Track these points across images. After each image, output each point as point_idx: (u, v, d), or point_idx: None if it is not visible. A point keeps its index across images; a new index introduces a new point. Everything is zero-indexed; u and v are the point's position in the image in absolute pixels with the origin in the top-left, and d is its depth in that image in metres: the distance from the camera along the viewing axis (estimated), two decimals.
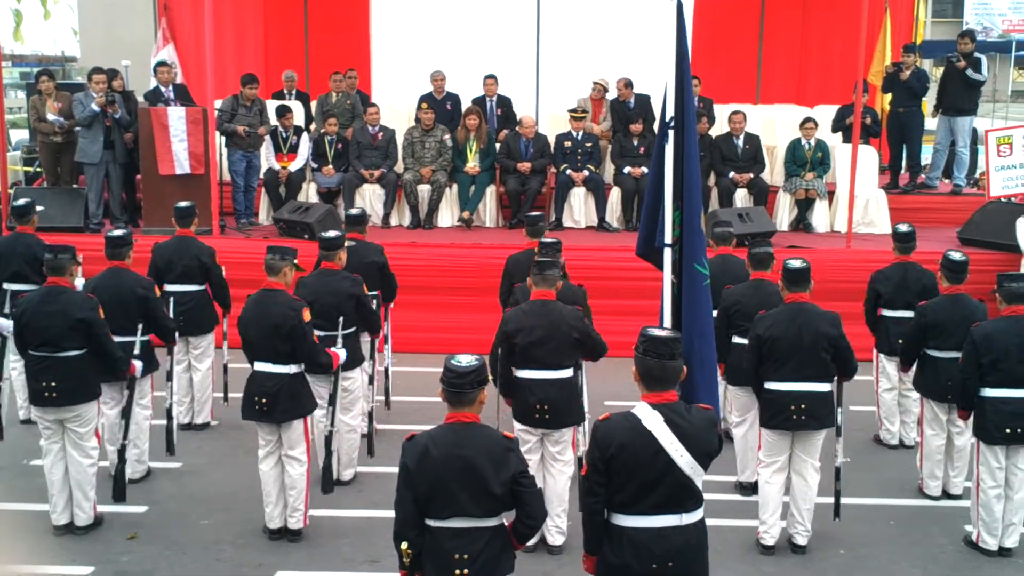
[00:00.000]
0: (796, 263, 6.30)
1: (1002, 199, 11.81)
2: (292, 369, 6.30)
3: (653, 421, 4.06)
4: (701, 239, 5.05)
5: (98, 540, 6.39)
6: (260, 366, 6.29)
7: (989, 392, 6.27)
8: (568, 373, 6.19)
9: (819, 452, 6.34)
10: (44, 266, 6.44)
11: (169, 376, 7.44)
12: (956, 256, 7.05)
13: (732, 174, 12.03)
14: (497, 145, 12.36)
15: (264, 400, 6.23)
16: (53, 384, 6.26)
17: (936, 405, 7.13)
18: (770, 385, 6.26)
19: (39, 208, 8.60)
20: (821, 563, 6.26)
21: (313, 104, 13.62)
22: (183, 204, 8.38)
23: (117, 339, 6.65)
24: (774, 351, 6.20)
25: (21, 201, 8.46)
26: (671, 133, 5.07)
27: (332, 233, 7.33)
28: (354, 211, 8.37)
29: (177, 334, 8.13)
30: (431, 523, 4.14)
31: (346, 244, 7.36)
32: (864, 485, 7.40)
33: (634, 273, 9.70)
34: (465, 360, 4.17)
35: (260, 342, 6.26)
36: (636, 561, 4.07)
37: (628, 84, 12.74)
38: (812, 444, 6.29)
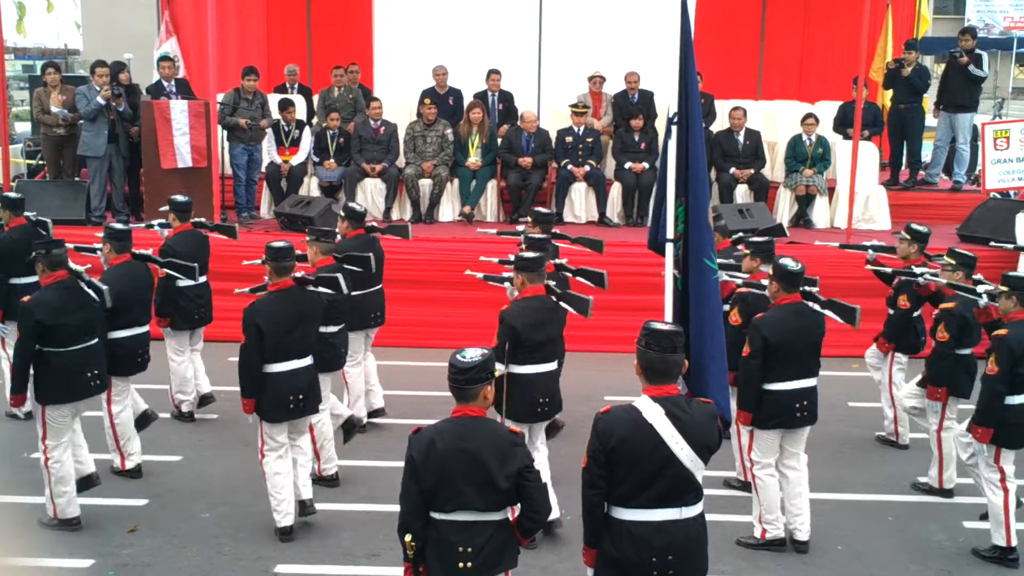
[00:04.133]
0: (792, 264, 6.22)
1: (999, 193, 11.84)
2: (312, 360, 6.41)
3: (654, 414, 4.06)
4: (709, 233, 5.05)
5: (98, 533, 6.40)
6: (288, 364, 6.22)
7: (1011, 399, 6.10)
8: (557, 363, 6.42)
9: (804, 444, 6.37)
10: (40, 261, 6.30)
11: None
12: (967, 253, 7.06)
13: (733, 170, 12.02)
14: (499, 140, 12.37)
15: (301, 396, 6.27)
16: (96, 372, 6.43)
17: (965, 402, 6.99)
18: (774, 387, 6.19)
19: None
20: (819, 559, 6.26)
21: (315, 98, 13.59)
22: (181, 198, 8.29)
23: (132, 331, 7.05)
24: (781, 354, 6.14)
25: (13, 194, 8.50)
26: (675, 129, 5.07)
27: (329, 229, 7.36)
28: (355, 208, 8.33)
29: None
30: (436, 516, 4.15)
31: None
32: (862, 481, 7.42)
33: (634, 268, 9.71)
34: (469, 355, 4.17)
35: (290, 340, 6.23)
36: (636, 554, 4.08)
37: (636, 79, 12.71)
38: (801, 437, 6.32)
